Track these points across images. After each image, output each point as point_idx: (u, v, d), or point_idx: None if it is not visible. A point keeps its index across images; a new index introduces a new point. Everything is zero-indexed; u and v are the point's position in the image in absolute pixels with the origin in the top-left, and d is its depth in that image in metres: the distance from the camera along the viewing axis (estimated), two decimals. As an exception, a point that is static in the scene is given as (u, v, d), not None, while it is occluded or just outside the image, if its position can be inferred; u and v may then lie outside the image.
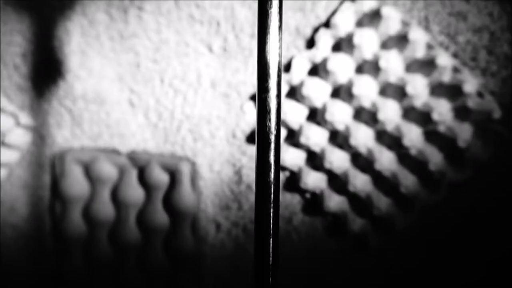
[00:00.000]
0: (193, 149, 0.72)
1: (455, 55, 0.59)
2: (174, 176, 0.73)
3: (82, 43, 0.75)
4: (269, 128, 0.32)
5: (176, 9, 0.70)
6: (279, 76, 0.32)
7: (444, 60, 0.57)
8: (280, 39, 0.31)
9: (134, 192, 0.77)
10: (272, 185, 0.32)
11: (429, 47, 0.60)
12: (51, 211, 0.81)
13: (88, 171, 0.78)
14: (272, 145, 0.32)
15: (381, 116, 0.59)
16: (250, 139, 0.69)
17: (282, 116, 0.64)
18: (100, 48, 0.75)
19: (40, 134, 0.80)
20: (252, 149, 0.69)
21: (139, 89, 0.74)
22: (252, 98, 0.69)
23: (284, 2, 0.67)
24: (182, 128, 0.72)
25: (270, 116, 0.32)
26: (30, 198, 0.84)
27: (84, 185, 0.79)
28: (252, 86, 0.69)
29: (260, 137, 0.33)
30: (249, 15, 0.67)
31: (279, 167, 0.33)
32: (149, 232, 0.77)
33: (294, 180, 0.67)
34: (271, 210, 0.32)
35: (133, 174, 0.76)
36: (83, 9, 0.74)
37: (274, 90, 0.32)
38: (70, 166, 0.79)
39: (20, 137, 0.81)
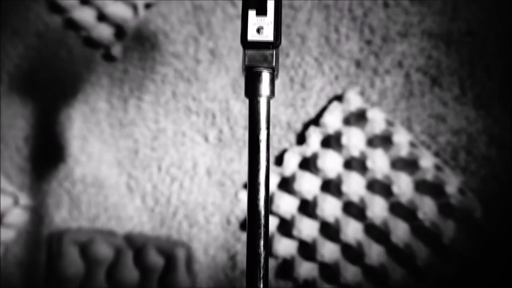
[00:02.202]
0: (189, 234, 0.74)
1: (436, 154, 0.63)
2: (169, 259, 0.75)
3: (83, 129, 0.79)
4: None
5: (173, 101, 0.74)
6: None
7: (427, 162, 0.61)
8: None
9: (130, 274, 0.78)
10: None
11: (412, 145, 0.64)
12: (46, 289, 0.82)
13: (85, 251, 0.80)
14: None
15: (369, 213, 0.61)
16: (244, 226, 0.72)
17: (275, 208, 0.66)
18: (100, 134, 0.78)
19: (38, 213, 0.82)
20: (246, 236, 0.71)
21: (137, 174, 0.76)
22: (246, 186, 0.72)
23: (276, 98, 0.71)
24: (178, 214, 0.74)
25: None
26: (25, 276, 0.84)
27: (80, 266, 0.80)
28: (245, 175, 0.72)
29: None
30: (243, 109, 0.71)
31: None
32: (143, 314, 0.77)
33: (287, 268, 0.69)
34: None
35: (129, 256, 0.78)
36: (86, 97, 0.78)
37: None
38: (67, 247, 0.80)
39: (18, 217, 0.82)
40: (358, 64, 0.66)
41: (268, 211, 0.34)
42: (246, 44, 0.24)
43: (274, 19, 0.24)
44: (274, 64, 0.24)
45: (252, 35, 0.24)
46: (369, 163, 0.62)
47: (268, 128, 0.24)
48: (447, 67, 0.63)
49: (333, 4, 0.67)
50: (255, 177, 0.25)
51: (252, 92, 0.24)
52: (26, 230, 0.83)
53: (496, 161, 0.62)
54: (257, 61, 0.24)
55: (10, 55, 0.82)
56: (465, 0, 0.62)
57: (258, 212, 0.30)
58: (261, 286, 0.35)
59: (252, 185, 0.26)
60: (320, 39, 0.67)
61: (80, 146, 0.79)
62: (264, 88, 0.24)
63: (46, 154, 0.81)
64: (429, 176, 0.62)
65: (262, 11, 0.24)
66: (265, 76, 0.24)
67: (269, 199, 0.34)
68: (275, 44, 0.24)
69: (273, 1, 0.24)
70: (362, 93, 0.66)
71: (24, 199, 0.82)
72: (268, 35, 0.24)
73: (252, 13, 0.24)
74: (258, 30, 0.24)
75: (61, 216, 0.81)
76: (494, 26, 0.61)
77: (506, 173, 0.62)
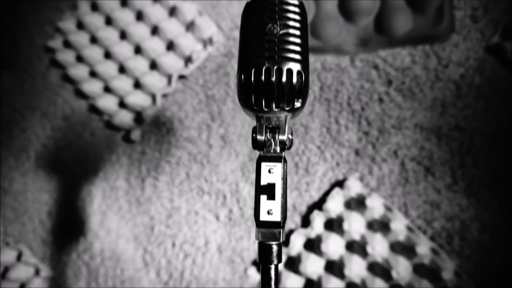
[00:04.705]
0: (200, 308, 0.78)
1: (432, 238, 0.68)
2: (181, 333, 0.78)
3: (102, 205, 0.85)
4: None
5: (187, 182, 0.80)
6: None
7: (423, 247, 0.65)
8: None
9: None
10: None
11: (409, 229, 0.68)
12: None
13: (101, 322, 0.83)
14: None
15: (370, 296, 0.65)
16: (253, 302, 0.76)
17: (282, 286, 0.71)
18: (118, 210, 0.84)
19: (57, 284, 0.87)
20: (255, 312, 0.75)
21: (152, 249, 0.81)
22: (255, 263, 0.76)
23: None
24: (190, 288, 0.79)
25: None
26: None
27: (96, 336, 0.83)
28: (254, 252, 0.76)
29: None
30: (251, 191, 0.77)
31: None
32: None
33: None
34: None
35: (143, 328, 0.81)
36: (105, 175, 0.85)
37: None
38: (84, 318, 0.84)
39: (38, 287, 0.87)
40: (357, 152, 0.72)
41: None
42: (259, 223, 0.30)
43: (281, 203, 0.30)
44: (281, 240, 0.30)
45: (263, 216, 0.30)
46: (369, 249, 0.66)
47: (276, 290, 0.30)
48: (438, 158, 0.69)
49: (333, 98, 0.74)
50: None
51: (264, 261, 0.30)
52: (45, 300, 0.87)
53: (489, 246, 0.66)
54: (268, 237, 0.30)
55: (38, 135, 0.90)
56: (452, 98, 0.68)
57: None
58: None
59: None
60: (322, 129, 0.74)
61: (99, 221, 0.85)
62: (274, 259, 0.30)
63: (68, 228, 0.87)
64: (426, 260, 0.66)
65: (271, 197, 0.30)
66: (275, 249, 0.30)
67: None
68: (281, 224, 0.30)
69: (280, 190, 0.30)
70: (361, 179, 0.72)
71: (45, 270, 0.87)
72: (276, 216, 0.30)
73: (263, 197, 0.30)
74: (268, 212, 0.30)
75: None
76: (481, 123, 0.67)
77: (499, 258, 0.66)
